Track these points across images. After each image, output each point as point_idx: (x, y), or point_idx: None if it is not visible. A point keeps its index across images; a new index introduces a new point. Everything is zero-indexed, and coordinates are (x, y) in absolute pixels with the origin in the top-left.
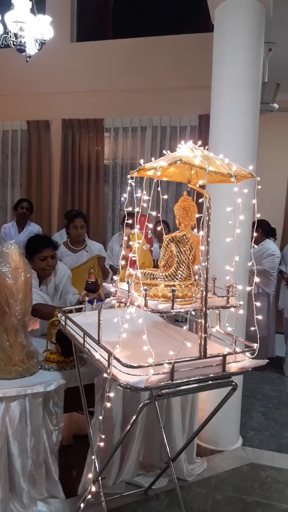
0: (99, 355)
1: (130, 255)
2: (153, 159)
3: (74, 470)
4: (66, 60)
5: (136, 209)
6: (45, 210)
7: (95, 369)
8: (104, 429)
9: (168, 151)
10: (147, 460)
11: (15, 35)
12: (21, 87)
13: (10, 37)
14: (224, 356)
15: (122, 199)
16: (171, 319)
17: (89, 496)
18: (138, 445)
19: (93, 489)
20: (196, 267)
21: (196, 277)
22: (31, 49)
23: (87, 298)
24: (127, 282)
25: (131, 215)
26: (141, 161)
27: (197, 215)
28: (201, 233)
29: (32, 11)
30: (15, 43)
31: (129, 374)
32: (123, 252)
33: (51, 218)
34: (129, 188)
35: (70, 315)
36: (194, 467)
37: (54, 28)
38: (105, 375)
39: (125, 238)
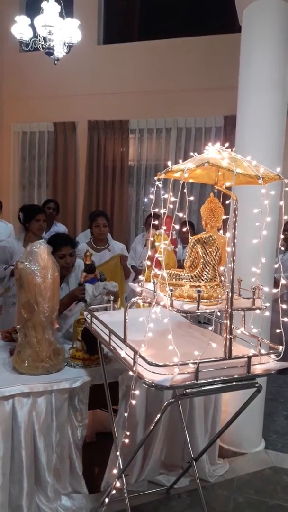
0: (125, 353)
1: (157, 255)
2: (180, 161)
3: (96, 467)
4: (92, 62)
5: (162, 211)
6: (70, 211)
7: (119, 367)
8: (128, 427)
9: (195, 153)
10: (169, 459)
11: (44, 38)
12: (48, 90)
13: (39, 40)
14: (249, 357)
15: (146, 200)
16: (194, 320)
17: (113, 492)
18: (160, 444)
19: (118, 484)
20: (221, 268)
21: (222, 278)
22: (59, 52)
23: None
24: (153, 282)
25: (156, 216)
26: (169, 163)
27: (224, 217)
28: (227, 234)
29: (60, 14)
30: (44, 46)
31: (154, 372)
32: (149, 253)
33: (76, 218)
34: (152, 189)
35: (95, 313)
36: (216, 468)
37: (81, 30)
38: (130, 373)
39: (151, 238)
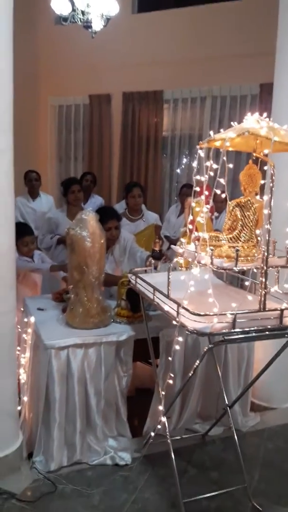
0: (168, 307)
1: (198, 219)
2: (211, 132)
3: (136, 418)
4: (127, 32)
5: (204, 178)
6: (105, 183)
7: (160, 324)
8: (168, 375)
9: (235, 123)
10: (204, 410)
11: (82, 12)
12: (83, 62)
13: (78, 14)
14: (282, 310)
15: (179, 171)
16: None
17: (158, 427)
18: (197, 395)
19: (163, 419)
20: (257, 231)
21: (258, 239)
22: (97, 25)
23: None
24: (194, 244)
25: (189, 185)
26: (211, 132)
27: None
28: (265, 197)
29: None
30: (82, 20)
31: (195, 321)
32: (190, 217)
33: (111, 190)
34: (185, 160)
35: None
36: (248, 419)
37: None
38: (174, 322)
39: (193, 205)
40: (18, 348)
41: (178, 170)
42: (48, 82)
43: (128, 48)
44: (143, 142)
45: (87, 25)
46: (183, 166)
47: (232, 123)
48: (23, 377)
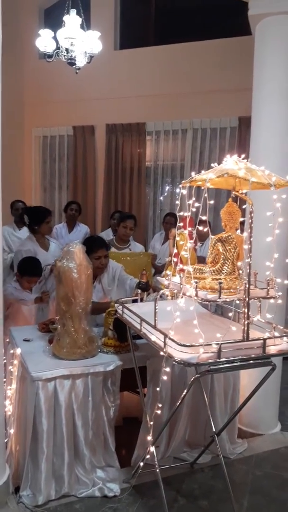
0: (155, 337)
1: (182, 253)
2: (202, 161)
3: (125, 447)
4: (110, 67)
5: (187, 214)
6: (90, 211)
7: (147, 353)
8: (156, 404)
9: (216, 164)
10: (192, 438)
11: (66, 50)
12: (67, 94)
13: (62, 51)
14: (264, 339)
15: (161, 199)
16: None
17: (148, 456)
18: (184, 424)
19: (151, 449)
20: (239, 263)
21: (240, 271)
22: (81, 61)
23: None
24: (179, 276)
25: (174, 216)
26: (192, 173)
27: (241, 219)
28: (245, 233)
29: (82, 27)
30: (66, 57)
31: (182, 352)
32: (175, 250)
33: (96, 218)
34: (167, 188)
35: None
36: (235, 446)
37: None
38: (161, 353)
39: (177, 238)
40: (4, 379)
41: (161, 198)
42: (32, 114)
43: (111, 82)
44: (127, 172)
45: (71, 62)
46: (165, 194)
47: (212, 164)
48: (9, 409)
